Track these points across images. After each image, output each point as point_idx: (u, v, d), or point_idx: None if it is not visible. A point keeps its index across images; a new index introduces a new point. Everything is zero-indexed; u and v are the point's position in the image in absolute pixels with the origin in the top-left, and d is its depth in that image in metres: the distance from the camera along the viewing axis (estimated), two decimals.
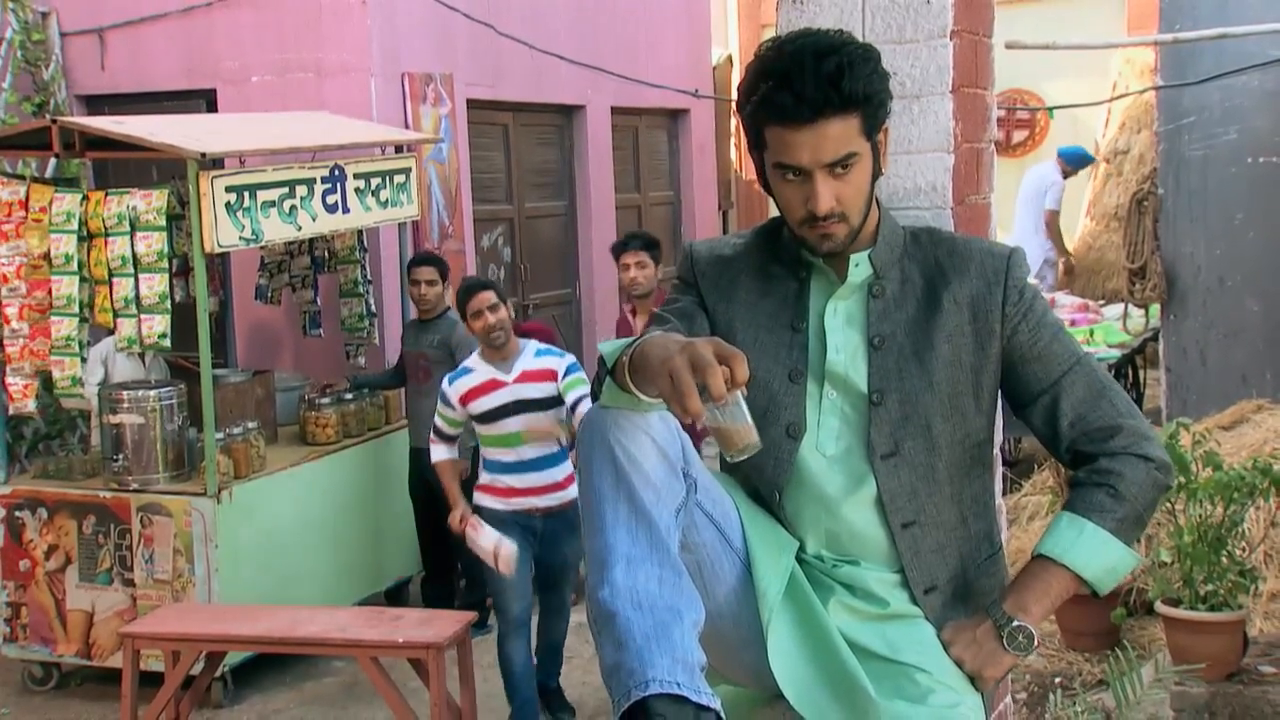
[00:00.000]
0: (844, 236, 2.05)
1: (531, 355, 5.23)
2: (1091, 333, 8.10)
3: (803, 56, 1.96)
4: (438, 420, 5.33)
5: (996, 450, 2.49)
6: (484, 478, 5.28)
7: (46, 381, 6.06)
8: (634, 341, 1.81)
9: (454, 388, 5.22)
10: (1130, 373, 8.74)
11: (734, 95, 2.10)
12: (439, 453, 5.36)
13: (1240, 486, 4.89)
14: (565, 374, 5.21)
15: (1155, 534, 5.98)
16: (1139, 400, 8.89)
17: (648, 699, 1.70)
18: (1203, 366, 7.75)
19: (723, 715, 1.75)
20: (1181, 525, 4.95)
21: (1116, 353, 7.96)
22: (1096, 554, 2.04)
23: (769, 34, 2.52)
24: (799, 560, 2.08)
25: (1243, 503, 4.93)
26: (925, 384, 2.07)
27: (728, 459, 1.85)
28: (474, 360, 5.27)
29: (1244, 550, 5.22)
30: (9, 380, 5.89)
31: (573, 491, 5.12)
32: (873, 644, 2.03)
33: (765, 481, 2.11)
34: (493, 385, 5.15)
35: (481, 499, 5.26)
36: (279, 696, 5.83)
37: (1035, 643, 2.01)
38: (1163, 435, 5.02)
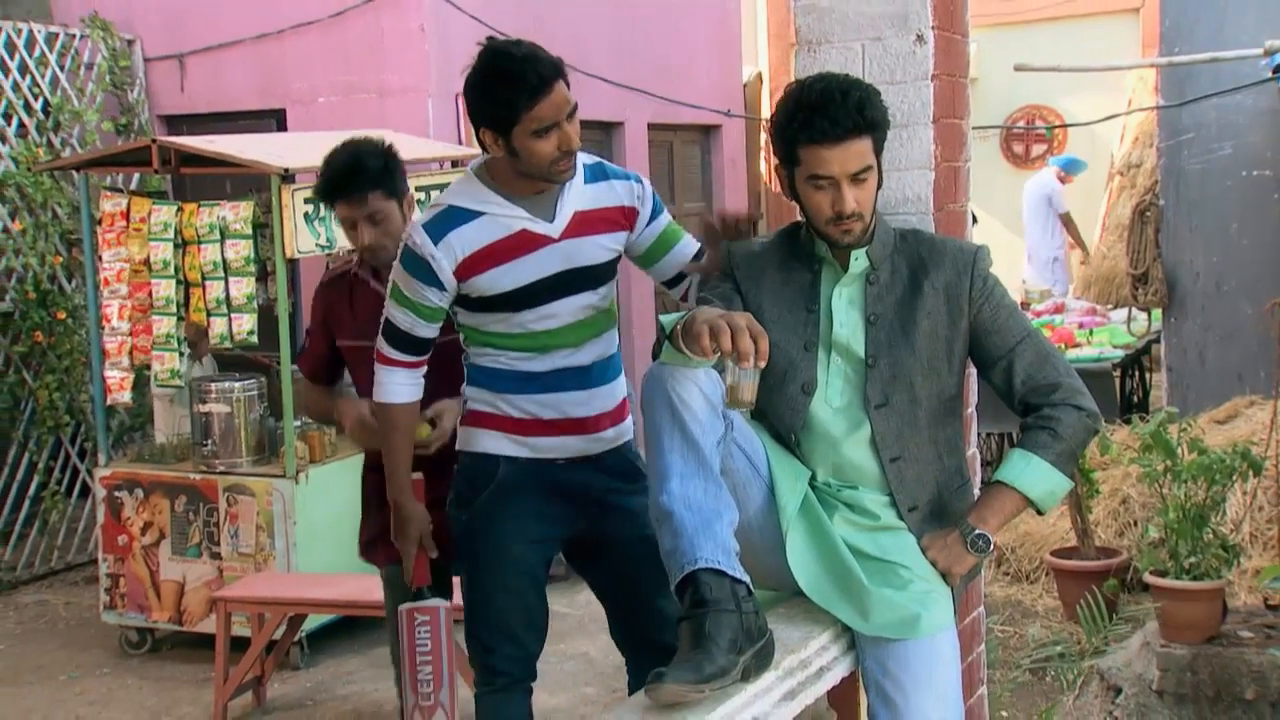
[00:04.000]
0: (860, 232, 2.62)
1: (581, 183, 2.95)
2: (1091, 334, 8.42)
3: (831, 92, 2.54)
4: (395, 314, 2.91)
5: (971, 410, 3.08)
6: (477, 401, 2.95)
7: (137, 378, 6.62)
8: (687, 313, 2.39)
9: (446, 244, 2.81)
10: (1136, 372, 9.03)
11: (764, 115, 2.70)
12: (393, 386, 2.96)
13: (1221, 469, 5.32)
14: (652, 213, 3.08)
15: (1151, 517, 6.47)
16: (1145, 397, 9.24)
17: (696, 571, 2.28)
18: (1201, 366, 8.08)
19: (751, 588, 2.32)
20: (1168, 504, 5.45)
21: (1121, 353, 8.22)
22: (1040, 479, 2.62)
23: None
24: (811, 486, 2.67)
25: (1223, 483, 5.36)
26: (909, 351, 2.65)
27: (725, 407, 2.40)
28: (473, 190, 2.87)
29: (1231, 528, 5.68)
30: (108, 374, 6.38)
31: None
32: (867, 548, 2.61)
33: (785, 426, 2.70)
34: (528, 241, 2.84)
35: (481, 438, 2.94)
36: (350, 661, 6.22)
37: (991, 548, 2.59)
38: (1152, 425, 5.54)
